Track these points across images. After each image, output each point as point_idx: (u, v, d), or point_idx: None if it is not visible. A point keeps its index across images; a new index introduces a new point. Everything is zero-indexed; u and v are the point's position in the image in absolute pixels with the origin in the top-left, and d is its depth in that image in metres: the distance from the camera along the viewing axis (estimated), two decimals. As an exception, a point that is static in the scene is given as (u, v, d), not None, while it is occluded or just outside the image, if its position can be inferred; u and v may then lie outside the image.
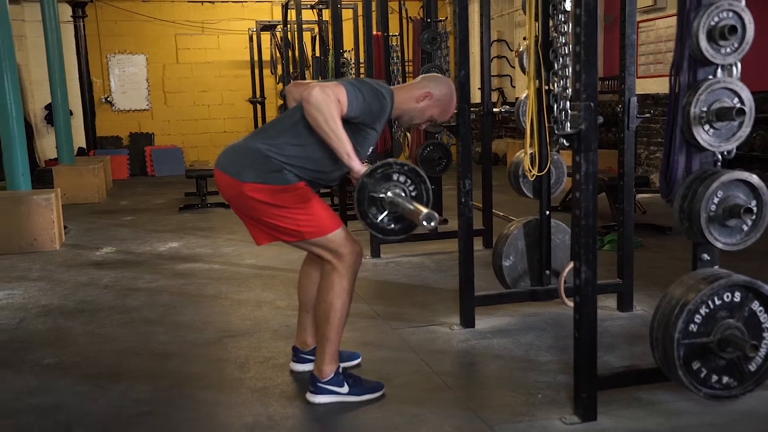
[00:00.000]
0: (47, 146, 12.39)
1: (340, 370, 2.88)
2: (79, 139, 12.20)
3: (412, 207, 2.43)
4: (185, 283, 4.91)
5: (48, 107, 11.75)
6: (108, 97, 13.48)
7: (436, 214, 2.33)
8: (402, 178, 2.60)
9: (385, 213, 2.59)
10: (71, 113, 10.32)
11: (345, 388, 2.85)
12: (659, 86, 8.52)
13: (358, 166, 2.63)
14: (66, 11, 11.83)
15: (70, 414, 2.85)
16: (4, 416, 2.85)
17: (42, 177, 9.80)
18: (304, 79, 9.55)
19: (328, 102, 2.56)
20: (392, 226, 2.62)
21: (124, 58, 13.48)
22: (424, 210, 2.32)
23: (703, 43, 2.50)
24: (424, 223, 2.29)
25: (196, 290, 4.72)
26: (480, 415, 2.71)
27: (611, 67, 9.75)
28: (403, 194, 2.58)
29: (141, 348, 3.61)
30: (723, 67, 2.57)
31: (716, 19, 2.49)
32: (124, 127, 13.56)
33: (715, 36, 2.50)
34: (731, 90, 2.53)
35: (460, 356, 3.40)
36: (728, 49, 2.53)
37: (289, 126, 2.77)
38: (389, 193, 2.56)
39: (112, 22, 13.25)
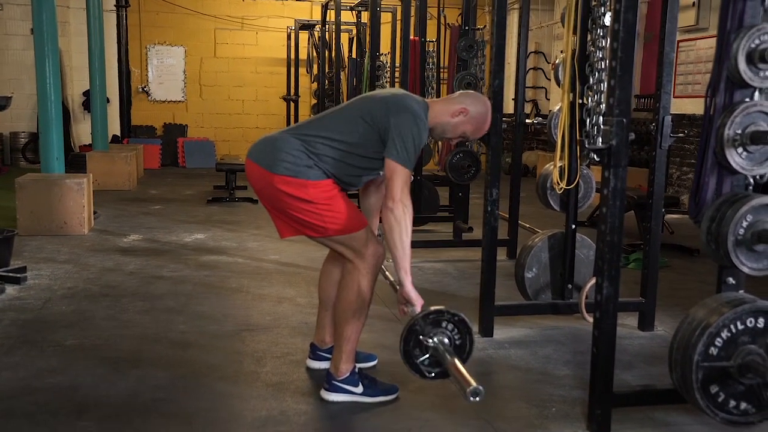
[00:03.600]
0: (83, 132, 12.56)
1: (356, 369, 2.90)
2: (114, 127, 12.36)
3: (462, 371, 2.39)
4: (208, 275, 4.95)
5: (86, 94, 11.92)
6: (145, 86, 13.65)
7: (483, 390, 2.27)
8: (450, 327, 2.60)
9: (427, 356, 2.58)
10: (108, 101, 10.46)
11: (359, 388, 2.87)
12: (696, 107, 8.43)
13: (409, 286, 2.70)
14: (109, 0, 12.00)
15: (87, 395, 2.89)
16: (25, 394, 2.90)
17: (75, 162, 9.96)
18: (339, 80, 9.59)
19: (407, 218, 2.65)
20: (430, 371, 2.61)
21: (163, 49, 13.64)
22: (473, 384, 2.28)
23: (742, 65, 2.48)
24: (471, 398, 2.26)
25: (218, 282, 4.76)
26: (493, 425, 2.70)
27: (648, 85, 9.66)
28: (447, 340, 2.58)
29: (161, 335, 3.65)
30: (761, 90, 2.55)
31: (757, 41, 2.47)
32: (159, 118, 13.71)
33: (755, 59, 2.48)
34: (767, 114, 2.50)
35: (476, 365, 3.38)
36: (767, 73, 2.50)
37: (326, 125, 2.80)
38: (435, 339, 2.56)
39: (153, 13, 13.42)
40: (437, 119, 2.87)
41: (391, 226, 2.66)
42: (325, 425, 2.75)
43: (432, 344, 2.55)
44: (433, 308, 2.61)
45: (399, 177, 2.67)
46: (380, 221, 2.81)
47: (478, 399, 2.26)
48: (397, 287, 2.79)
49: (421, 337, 2.57)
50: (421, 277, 5.00)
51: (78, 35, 11.84)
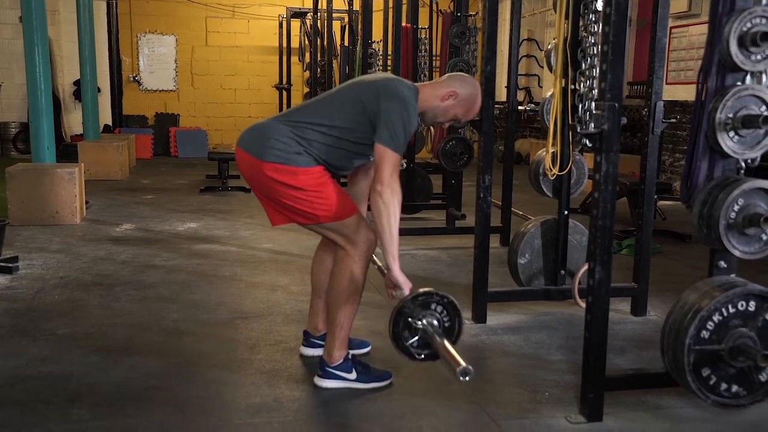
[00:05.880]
0: (74, 122, 12.49)
1: (350, 356, 2.90)
2: (106, 117, 12.30)
3: (452, 352, 2.38)
4: (201, 264, 4.94)
5: (77, 83, 11.85)
6: (136, 76, 13.57)
7: (472, 369, 2.27)
8: (439, 309, 2.60)
9: (416, 338, 2.58)
10: (99, 90, 10.41)
11: (353, 375, 2.87)
12: (688, 93, 8.43)
13: (398, 270, 2.69)
14: (100, -12, 11.93)
15: (80, 383, 2.89)
16: (17, 382, 2.89)
17: (67, 152, 9.90)
18: (331, 68, 9.55)
19: (395, 203, 2.64)
20: (420, 354, 2.61)
21: (154, 38, 13.55)
22: (462, 363, 2.28)
23: (734, 48, 2.47)
24: (461, 378, 2.26)
25: (211, 271, 4.76)
26: (485, 410, 2.71)
27: (641, 72, 9.67)
28: (436, 322, 2.57)
29: (153, 324, 3.65)
30: (752, 73, 2.55)
31: (749, 24, 2.47)
32: (150, 107, 13.65)
33: (746, 42, 2.47)
34: (759, 97, 2.50)
35: (469, 351, 3.39)
36: (759, 56, 2.50)
37: (316, 111, 2.79)
38: (425, 321, 2.56)
39: (144, 1, 13.31)
40: (427, 103, 2.86)
41: (380, 210, 2.64)
42: (318, 412, 2.75)
43: (421, 326, 2.54)
44: (421, 290, 2.60)
45: (388, 161, 2.66)
46: (368, 207, 2.80)
47: (467, 378, 2.26)
48: (385, 272, 2.79)
49: (410, 319, 2.56)
50: (414, 265, 5.00)
51: (68, 24, 11.75)
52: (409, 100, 2.73)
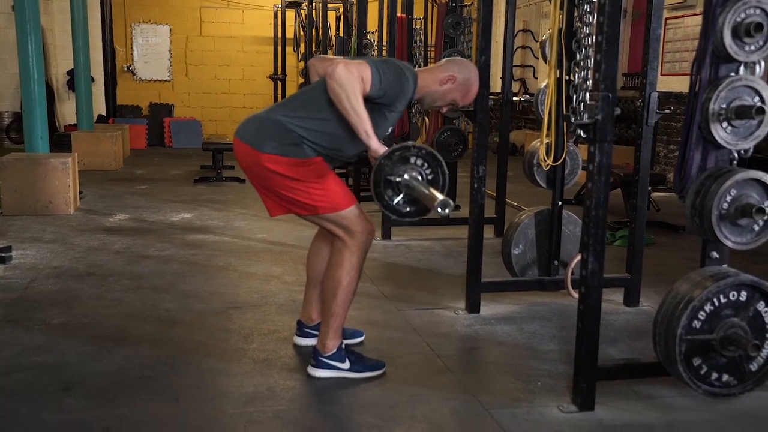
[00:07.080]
0: (67, 111, 12.44)
1: (343, 346, 2.90)
2: (100, 107, 12.25)
3: (427, 192, 2.40)
4: (195, 254, 4.94)
5: (70, 73, 11.79)
6: (130, 65, 13.51)
7: (452, 201, 2.30)
8: (419, 162, 2.58)
9: (401, 196, 2.58)
10: (93, 80, 10.36)
11: (346, 364, 2.87)
12: (683, 85, 8.43)
13: (376, 145, 2.61)
14: (93, -23, 11.86)
15: (73, 373, 2.89)
16: (11, 371, 2.89)
17: (60, 141, 9.87)
18: (326, 58, 9.53)
19: (351, 79, 2.56)
20: (407, 209, 2.60)
21: (148, 28, 13.49)
22: (440, 196, 2.29)
23: (728, 39, 2.48)
24: (439, 209, 2.27)
25: (205, 261, 4.75)
26: (478, 399, 2.72)
27: (636, 63, 9.66)
28: (420, 177, 2.56)
29: (147, 314, 3.64)
30: (746, 64, 2.56)
31: (743, 15, 2.47)
32: (145, 97, 13.59)
33: (740, 33, 2.48)
34: (752, 88, 2.52)
35: (463, 340, 3.41)
36: (753, 47, 2.51)
37: (309, 99, 2.79)
38: (405, 176, 2.54)
39: (138, -10, 13.28)
40: (426, 88, 2.87)
41: (337, 94, 2.58)
42: (312, 401, 2.76)
43: (404, 181, 2.54)
44: (397, 145, 2.59)
45: (355, 62, 2.62)
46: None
47: (447, 211, 2.27)
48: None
49: (389, 177, 2.55)
50: (408, 255, 5.00)
51: (61, 13, 11.68)
52: (404, 73, 2.74)
